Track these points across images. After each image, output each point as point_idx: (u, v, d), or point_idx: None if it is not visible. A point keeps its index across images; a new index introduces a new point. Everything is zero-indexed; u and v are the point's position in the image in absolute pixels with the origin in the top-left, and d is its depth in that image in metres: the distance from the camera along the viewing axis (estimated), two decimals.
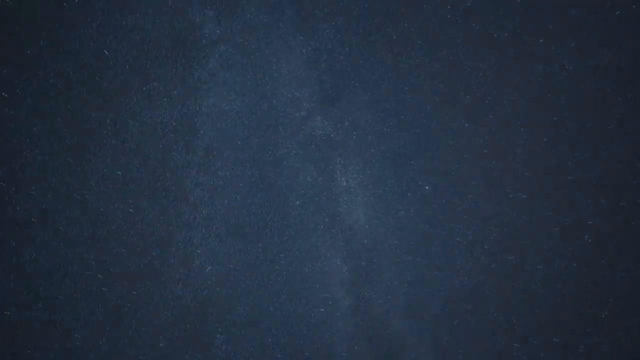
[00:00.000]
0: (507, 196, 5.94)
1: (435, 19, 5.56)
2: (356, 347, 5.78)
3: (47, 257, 5.04)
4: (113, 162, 5.06)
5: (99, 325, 5.10)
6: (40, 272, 4.99)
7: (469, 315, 6.01)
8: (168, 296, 5.28)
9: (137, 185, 5.08)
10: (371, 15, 5.46)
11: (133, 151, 5.08)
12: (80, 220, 5.08)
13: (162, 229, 5.20)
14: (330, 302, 5.86)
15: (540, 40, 5.68)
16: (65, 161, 5.01)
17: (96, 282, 5.13)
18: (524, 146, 5.90)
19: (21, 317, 4.99)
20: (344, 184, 5.79)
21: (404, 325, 5.98)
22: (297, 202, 5.72)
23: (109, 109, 4.97)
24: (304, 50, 5.36)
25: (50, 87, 5.00)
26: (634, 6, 5.47)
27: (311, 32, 5.37)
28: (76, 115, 5.03)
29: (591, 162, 5.87)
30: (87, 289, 5.08)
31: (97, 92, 5.06)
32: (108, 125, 4.99)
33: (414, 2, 5.44)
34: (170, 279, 5.35)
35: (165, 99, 5.04)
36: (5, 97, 4.66)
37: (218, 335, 5.46)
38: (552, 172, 5.98)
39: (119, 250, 5.11)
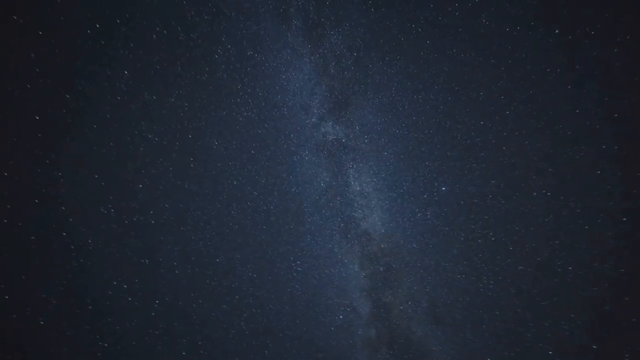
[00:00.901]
0: (531, 194, 5.45)
1: (444, 18, 5.27)
2: (378, 355, 5.40)
3: None
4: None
5: None
6: None
7: (497, 320, 5.50)
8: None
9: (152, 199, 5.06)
10: (378, 19, 5.27)
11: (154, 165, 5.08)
12: None
13: (180, 238, 5.13)
14: (348, 309, 5.55)
15: (557, 32, 5.24)
16: None
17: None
18: (546, 140, 5.41)
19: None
20: (358, 188, 5.54)
21: (427, 331, 5.55)
22: (312, 209, 5.52)
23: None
24: (312, 58, 5.24)
25: None
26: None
27: (319, 40, 5.26)
28: None
29: (620, 157, 5.29)
30: None
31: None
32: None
33: (420, 3, 5.19)
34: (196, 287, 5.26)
35: (181, 112, 5.04)
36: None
37: (239, 343, 5.29)
38: (577, 168, 5.44)
39: None
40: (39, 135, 4.92)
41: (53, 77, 4.75)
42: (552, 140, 5.15)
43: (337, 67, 5.18)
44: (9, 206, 4.94)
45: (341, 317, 5.22)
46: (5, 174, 4.80)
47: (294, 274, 5.13)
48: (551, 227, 5.08)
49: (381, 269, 5.30)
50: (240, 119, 5.16)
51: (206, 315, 5.25)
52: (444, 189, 5.28)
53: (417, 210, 5.38)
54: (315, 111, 5.17)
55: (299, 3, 5.22)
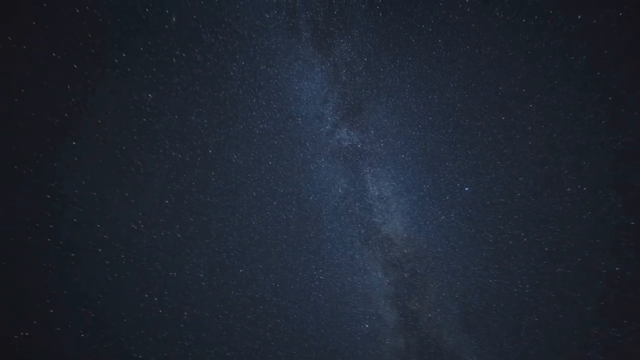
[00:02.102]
0: (565, 190, 4.82)
1: (455, 15, 4.89)
2: None
3: None
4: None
5: None
6: None
7: (537, 328, 4.83)
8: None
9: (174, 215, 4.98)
10: (387, 23, 4.99)
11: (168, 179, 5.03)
12: None
13: (199, 250, 4.98)
14: (374, 317, 5.12)
15: (578, 17, 4.69)
16: None
17: None
18: (577, 132, 4.79)
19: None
20: (377, 193, 5.17)
21: (459, 340, 4.97)
22: (331, 216, 5.20)
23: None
24: (323, 67, 5.04)
25: None
26: None
27: (329, 49, 5.06)
28: None
29: None
30: None
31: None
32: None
33: (429, 3, 4.85)
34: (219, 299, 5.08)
35: (201, 129, 4.98)
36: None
37: (265, 354, 4.99)
38: (615, 159, 4.76)
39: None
40: (75, 159, 5.01)
41: (86, 105, 4.85)
42: (584, 131, 4.53)
43: (349, 73, 4.92)
44: (51, 226, 5.03)
45: (367, 326, 4.78)
46: (48, 196, 4.91)
47: (317, 283, 4.79)
48: (590, 224, 4.41)
49: (406, 275, 4.82)
50: (257, 131, 5.01)
51: (232, 326, 5.02)
52: (467, 189, 4.77)
53: (439, 212, 4.90)
54: (329, 119, 4.92)
55: (308, 15, 5.07)
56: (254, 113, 5.22)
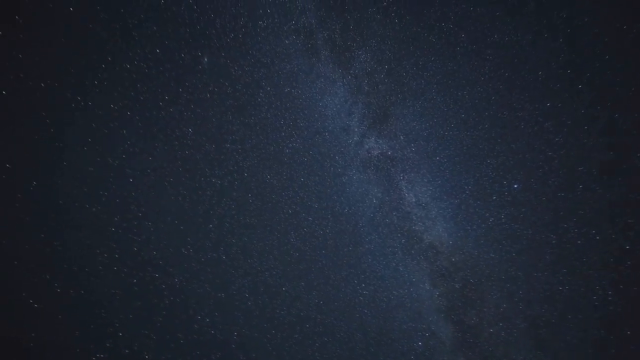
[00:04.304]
0: (639, 175, 3.67)
1: (477, 7, 4.17)
2: None
3: None
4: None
5: None
6: None
7: (627, 341, 3.58)
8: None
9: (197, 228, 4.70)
10: (404, 28, 4.42)
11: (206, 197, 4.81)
12: None
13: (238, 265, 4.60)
14: (427, 334, 4.23)
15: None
16: None
17: None
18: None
19: None
20: (414, 199, 4.43)
21: (531, 359, 3.86)
22: (368, 227, 4.54)
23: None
24: (344, 81, 4.58)
25: None
26: None
27: (348, 63, 4.63)
28: None
29: None
30: None
31: None
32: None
33: (445, 1, 4.21)
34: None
35: (236, 154, 4.74)
36: None
37: None
38: None
39: None
40: (133, 193, 5.02)
41: (139, 145, 4.88)
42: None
43: (371, 83, 4.39)
44: (116, 255, 5.02)
45: (420, 343, 3.92)
46: (113, 229, 4.92)
47: (361, 298, 4.09)
48: None
49: (457, 285, 3.93)
50: (287, 150, 4.65)
51: (280, 345, 4.46)
52: (516, 186, 3.83)
53: (487, 215, 3.99)
54: (356, 130, 4.40)
55: (325, 35, 4.72)
56: (283, 134, 4.89)
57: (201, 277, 5.17)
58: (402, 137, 4.54)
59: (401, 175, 4.38)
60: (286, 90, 5.07)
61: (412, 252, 4.21)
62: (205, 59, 5.05)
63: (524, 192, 3.98)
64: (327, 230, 4.70)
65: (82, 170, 4.79)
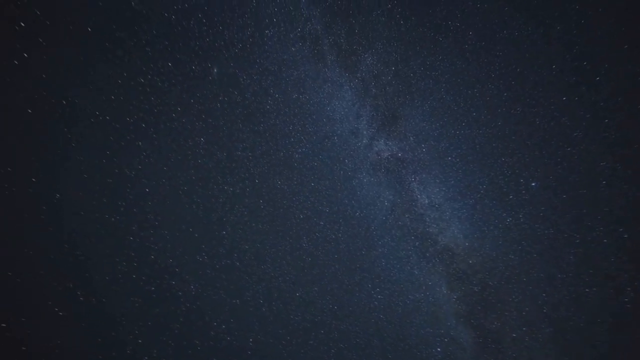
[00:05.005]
0: None
1: (484, 3, 4.02)
2: None
3: None
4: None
5: None
6: None
7: None
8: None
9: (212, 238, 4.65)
10: (410, 29, 4.30)
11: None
12: None
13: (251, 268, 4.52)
14: (446, 339, 4.01)
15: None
16: None
17: None
18: None
19: None
20: (426, 201, 4.25)
21: None
22: (381, 230, 4.38)
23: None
24: (351, 84, 4.49)
25: None
26: None
27: (354, 66, 4.54)
28: None
29: None
30: None
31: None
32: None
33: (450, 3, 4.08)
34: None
35: (247, 162, 4.71)
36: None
37: None
38: None
39: None
40: (149, 203, 5.05)
41: (154, 155, 4.93)
42: None
43: (378, 85, 4.28)
44: (135, 264, 5.05)
45: (439, 349, 3.71)
46: (131, 238, 4.96)
47: (376, 303, 3.93)
48: None
49: (475, 288, 3.71)
50: (297, 156, 4.58)
51: (296, 351, 4.33)
52: (533, 184, 3.61)
53: (504, 214, 3.77)
54: (365, 132, 4.28)
55: (330, 40, 4.65)
56: (292, 139, 4.83)
57: (216, 284, 5.12)
58: (412, 138, 4.38)
59: (412, 176, 4.21)
60: (294, 96, 5.02)
61: (427, 254, 4.02)
62: (215, 70, 5.08)
63: (542, 190, 3.74)
64: (339, 235, 4.57)
65: (102, 183, 4.87)
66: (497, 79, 4.18)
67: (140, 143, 5.21)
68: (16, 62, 4.12)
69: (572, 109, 3.83)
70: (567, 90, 3.82)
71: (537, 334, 3.57)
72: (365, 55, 4.72)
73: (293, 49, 4.91)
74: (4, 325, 4.39)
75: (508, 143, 3.99)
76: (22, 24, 4.12)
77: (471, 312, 3.82)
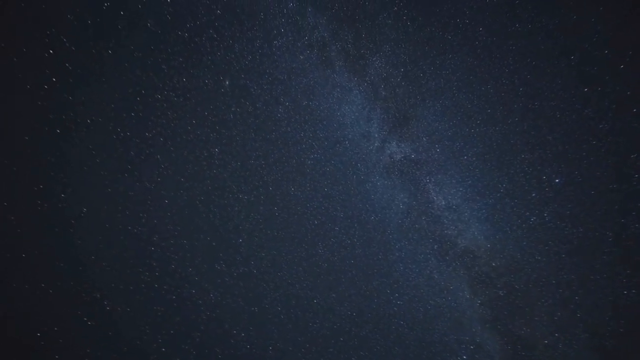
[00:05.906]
0: None
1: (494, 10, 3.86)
2: None
3: None
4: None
5: None
6: None
7: None
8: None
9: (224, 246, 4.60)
10: (417, 30, 4.18)
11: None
12: None
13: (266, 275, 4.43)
14: (472, 346, 3.76)
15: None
16: None
17: None
18: None
19: None
20: (443, 202, 4.05)
21: None
22: (397, 234, 4.21)
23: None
24: (360, 88, 4.39)
25: None
26: None
27: (363, 70, 4.45)
28: None
29: None
30: None
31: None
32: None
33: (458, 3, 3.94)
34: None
35: (260, 169, 4.67)
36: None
37: None
38: None
39: None
40: (169, 214, 5.10)
41: (173, 167, 4.99)
42: None
43: (387, 87, 4.16)
44: (157, 273, 5.08)
45: (465, 357, 3.48)
46: (152, 248, 5.01)
47: (395, 309, 3.74)
48: None
49: (501, 292, 3.46)
50: (309, 162, 4.50)
51: None
52: (557, 181, 3.35)
53: (527, 213, 3.53)
54: (377, 135, 4.16)
55: (338, 46, 4.60)
56: (304, 146, 4.76)
57: (235, 292, 5.07)
58: (425, 139, 4.21)
59: (427, 178, 4.02)
60: (304, 103, 4.98)
61: (447, 258, 3.79)
62: (227, 82, 5.12)
63: (567, 186, 3.47)
64: (355, 240, 4.41)
65: (124, 196, 4.96)
66: (511, 74, 3.96)
67: (159, 157, 5.29)
68: (46, 87, 4.32)
69: (595, 101, 3.55)
70: (588, 81, 3.55)
71: (572, 340, 3.26)
72: (374, 59, 4.61)
73: (301, 57, 4.88)
74: (30, 333, 4.51)
75: (527, 139, 3.75)
76: (51, 52, 4.32)
77: (497, 318, 3.55)
